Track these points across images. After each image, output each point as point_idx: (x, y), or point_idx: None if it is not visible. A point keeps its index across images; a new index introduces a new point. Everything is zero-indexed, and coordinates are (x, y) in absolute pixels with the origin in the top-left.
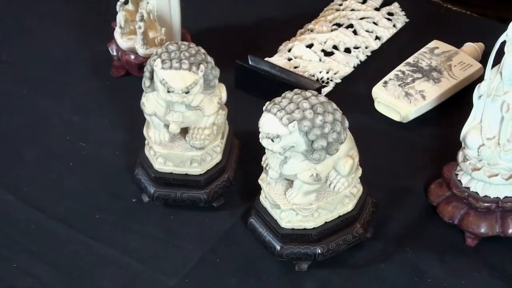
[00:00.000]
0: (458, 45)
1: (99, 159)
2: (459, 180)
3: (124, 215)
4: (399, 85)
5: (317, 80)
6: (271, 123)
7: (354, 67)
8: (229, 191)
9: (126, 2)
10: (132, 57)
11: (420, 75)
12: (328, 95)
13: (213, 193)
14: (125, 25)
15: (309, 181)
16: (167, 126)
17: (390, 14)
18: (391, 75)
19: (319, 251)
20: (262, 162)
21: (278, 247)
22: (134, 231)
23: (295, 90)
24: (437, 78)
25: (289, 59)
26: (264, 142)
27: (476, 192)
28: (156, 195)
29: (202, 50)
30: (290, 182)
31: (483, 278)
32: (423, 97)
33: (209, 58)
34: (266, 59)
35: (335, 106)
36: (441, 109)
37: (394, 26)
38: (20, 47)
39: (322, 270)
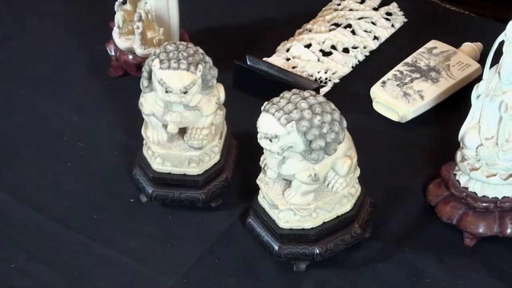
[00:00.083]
0: (457, 45)
1: (97, 159)
2: (458, 180)
3: (123, 215)
4: (398, 85)
5: (315, 80)
6: (269, 123)
7: (352, 67)
8: (227, 191)
9: (124, 2)
10: (130, 57)
11: (418, 75)
12: (326, 95)
13: (211, 193)
14: (123, 25)
15: (307, 181)
16: (165, 126)
17: (389, 14)
18: (389, 75)
19: (317, 251)
20: (260, 162)
21: (276, 247)
22: (132, 231)
23: (293, 90)
24: (436, 78)
25: (287, 59)
26: (262, 142)
27: (475, 192)
28: (154, 195)
29: (200, 50)
30: (288, 182)
31: (481, 278)
32: (422, 97)
33: (207, 58)
34: (264, 59)
35: (333, 106)
36: (440, 109)
37: (392, 26)
38: (19, 47)
39: (320, 270)
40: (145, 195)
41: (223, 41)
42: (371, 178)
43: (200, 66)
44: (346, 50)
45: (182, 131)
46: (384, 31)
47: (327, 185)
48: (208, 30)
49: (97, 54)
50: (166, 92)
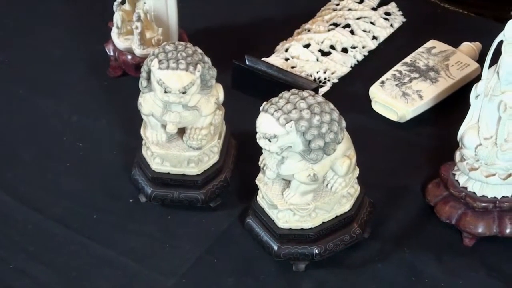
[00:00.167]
0: (455, 44)
1: (96, 160)
2: (457, 180)
3: (122, 215)
4: (396, 85)
5: (314, 80)
6: (268, 123)
7: (351, 67)
8: (226, 191)
9: (123, 2)
10: (129, 57)
11: (417, 75)
12: (325, 95)
13: (210, 193)
14: (122, 25)
15: (307, 181)
16: (164, 126)
17: (387, 13)
18: (388, 75)
19: (317, 251)
20: (259, 162)
21: (275, 247)
22: (131, 231)
23: (292, 90)
24: (434, 78)
25: (286, 59)
26: (261, 142)
27: (474, 192)
28: (154, 195)
29: (199, 50)
30: (287, 182)
31: (480, 278)
32: (420, 97)
33: (206, 58)
34: (263, 59)
35: (332, 106)
36: (438, 109)
37: (391, 25)
38: (19, 47)
39: (319, 270)
40: (144, 195)
41: (222, 41)
42: (370, 178)
43: (199, 66)
44: (345, 50)
45: (181, 131)
46: (383, 31)
47: (326, 185)
48: (207, 30)
49: (96, 54)
50: (165, 92)
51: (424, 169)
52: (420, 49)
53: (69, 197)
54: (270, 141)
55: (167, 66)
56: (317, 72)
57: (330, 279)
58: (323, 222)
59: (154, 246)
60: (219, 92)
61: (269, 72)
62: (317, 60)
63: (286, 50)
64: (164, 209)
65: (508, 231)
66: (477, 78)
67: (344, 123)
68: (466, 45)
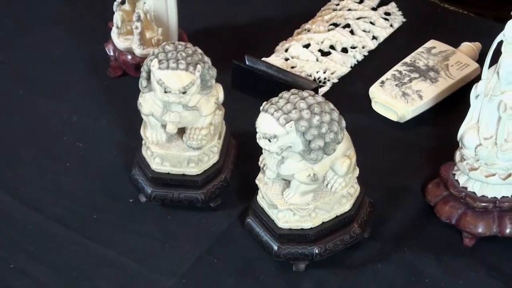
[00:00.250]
0: (455, 44)
1: (96, 160)
2: (457, 180)
3: (122, 215)
4: (396, 85)
5: (314, 80)
6: (268, 123)
7: (351, 67)
8: (226, 191)
9: (123, 2)
10: (129, 57)
11: (417, 75)
12: (325, 95)
13: (210, 193)
14: (122, 25)
15: (306, 181)
16: (164, 126)
17: (387, 14)
18: (388, 75)
19: (317, 251)
20: (259, 162)
21: (275, 247)
22: (131, 231)
23: (292, 90)
24: (434, 78)
25: (286, 59)
26: (261, 142)
27: (474, 192)
28: (153, 195)
29: (199, 50)
30: (287, 182)
31: (480, 278)
32: (420, 97)
33: (206, 58)
34: (263, 59)
35: (332, 106)
36: (438, 109)
37: (391, 26)
38: (19, 47)
39: (319, 270)
40: (144, 195)
41: (221, 41)
42: (370, 178)
43: (198, 66)
44: (344, 50)
45: (181, 131)
46: (383, 31)
47: (326, 185)
48: (206, 30)
49: (96, 54)
50: (165, 92)
51: (424, 169)
52: (420, 49)
53: (69, 197)
54: (270, 141)
55: (167, 66)
56: (317, 72)
57: (330, 279)
58: (323, 222)
59: (154, 246)
60: (219, 92)
61: (269, 72)
62: (317, 60)
63: (286, 50)
64: (164, 209)
65: (508, 231)
66: (477, 78)
67: (344, 123)
68: (466, 45)
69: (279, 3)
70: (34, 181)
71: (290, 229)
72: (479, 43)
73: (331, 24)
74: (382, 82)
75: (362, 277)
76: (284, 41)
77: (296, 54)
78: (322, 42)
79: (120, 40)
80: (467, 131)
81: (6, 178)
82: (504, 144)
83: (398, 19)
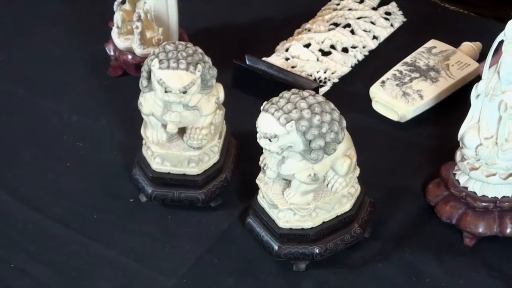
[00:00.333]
0: (456, 44)
1: (96, 159)
2: (457, 180)
3: (122, 215)
4: (397, 84)
5: (315, 79)
6: (269, 123)
7: (351, 66)
8: (227, 191)
9: (123, 2)
10: (130, 57)
11: (417, 75)
12: (325, 95)
13: (211, 193)
14: (122, 25)
15: (307, 181)
16: (164, 126)
17: (388, 13)
18: (388, 74)
19: (317, 251)
20: (259, 162)
21: (276, 247)
22: (131, 231)
23: (293, 90)
24: (435, 78)
25: (287, 59)
26: (262, 142)
27: (474, 192)
28: (154, 195)
29: (200, 50)
30: (287, 182)
31: (481, 277)
32: (421, 96)
33: (207, 58)
34: (264, 58)
35: (332, 105)
36: (439, 108)
37: (391, 25)
38: (19, 47)
39: (320, 270)
40: (144, 195)
41: (222, 41)
42: (370, 178)
43: (199, 66)
44: (345, 50)
45: (182, 131)
46: (383, 31)
47: (327, 184)
48: (207, 29)
49: (96, 54)
50: (166, 92)
51: (425, 169)
52: (420, 49)
53: (69, 197)
54: (271, 141)
55: (167, 66)
56: (318, 72)
57: (330, 279)
58: (324, 222)
59: (154, 246)
60: (219, 92)
61: (270, 71)
62: (318, 59)
63: (287, 50)
64: (165, 209)
65: (508, 231)
66: (478, 78)
67: (344, 123)
68: (466, 45)
69: (280, 3)
70: (34, 181)
71: (290, 228)
72: (479, 42)
73: (331, 24)
74: (383, 82)
75: (363, 277)
76: (285, 40)
77: (296, 54)
78: (322, 42)
79: (121, 40)
80: (468, 131)
81: (6, 178)
82: (504, 143)
83: (398, 18)
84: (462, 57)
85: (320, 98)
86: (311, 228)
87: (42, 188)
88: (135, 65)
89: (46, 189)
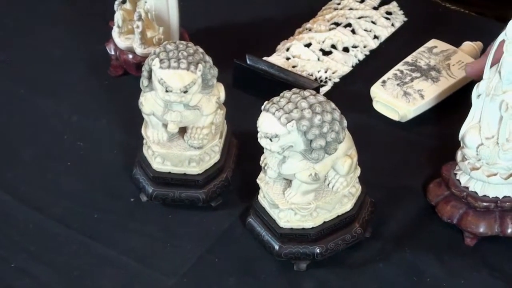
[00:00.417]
0: (457, 44)
1: (97, 159)
2: (458, 180)
3: (123, 214)
4: (398, 84)
5: (316, 79)
6: (270, 123)
7: (352, 66)
8: (228, 190)
9: (124, 2)
10: (130, 56)
11: (418, 74)
12: (326, 95)
13: (212, 192)
14: (123, 24)
15: (308, 180)
16: (165, 125)
17: (389, 13)
18: (389, 74)
19: (318, 251)
20: (260, 162)
21: (276, 247)
22: (132, 231)
23: (294, 89)
24: (436, 77)
25: (287, 58)
26: (263, 141)
27: (475, 192)
28: (155, 195)
29: (200, 50)
30: (288, 182)
31: (482, 277)
32: (422, 96)
33: (207, 58)
34: (264, 58)
35: (333, 105)
36: (440, 108)
37: (392, 25)
38: (19, 47)
39: (320, 270)
40: (145, 195)
41: (223, 40)
42: (371, 178)
43: (200, 66)
44: (346, 49)
45: (182, 131)
46: (384, 30)
47: (328, 184)
48: (208, 29)
49: (97, 53)
50: (166, 91)
51: (425, 169)
52: (421, 49)
53: (70, 196)
54: (272, 141)
55: (168, 65)
56: (318, 72)
57: (331, 279)
58: (325, 222)
59: (155, 245)
60: (220, 92)
61: (270, 71)
62: (318, 59)
63: (287, 50)
64: (165, 209)
65: (509, 230)
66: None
67: (345, 123)
68: (467, 45)
69: (281, 2)
70: (34, 181)
71: (291, 228)
72: (480, 42)
73: (332, 24)
74: (384, 82)
75: (363, 277)
76: (285, 40)
77: (297, 53)
78: (323, 42)
79: (121, 39)
80: (469, 131)
81: (6, 178)
82: (505, 143)
83: (399, 18)
84: (463, 56)
85: (321, 97)
86: (312, 228)
87: (42, 188)
88: (135, 65)
89: (46, 189)
